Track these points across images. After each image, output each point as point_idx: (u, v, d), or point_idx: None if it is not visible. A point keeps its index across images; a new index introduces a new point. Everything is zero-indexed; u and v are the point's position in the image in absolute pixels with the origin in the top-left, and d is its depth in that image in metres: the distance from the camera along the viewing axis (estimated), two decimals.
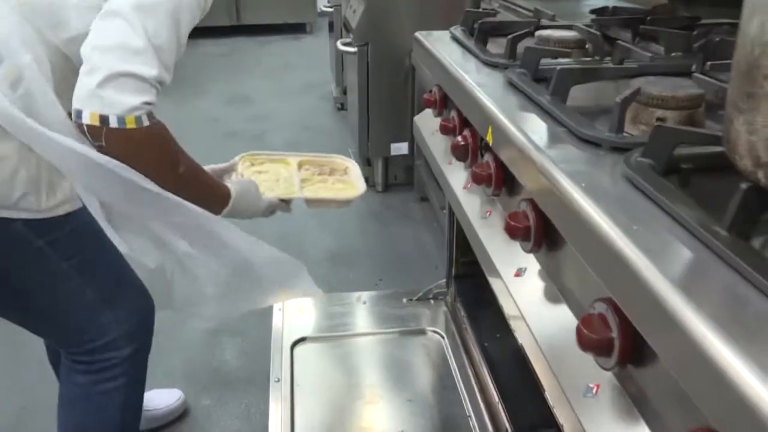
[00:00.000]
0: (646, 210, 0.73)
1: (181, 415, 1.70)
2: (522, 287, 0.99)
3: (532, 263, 1.00)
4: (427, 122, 1.68)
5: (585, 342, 0.73)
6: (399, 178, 3.10)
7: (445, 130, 1.43)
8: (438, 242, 2.51)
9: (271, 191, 1.26)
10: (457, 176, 1.39)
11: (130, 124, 0.90)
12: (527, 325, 0.92)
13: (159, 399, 1.67)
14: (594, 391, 0.76)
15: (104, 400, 1.19)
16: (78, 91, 0.90)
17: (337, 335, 1.76)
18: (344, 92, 3.95)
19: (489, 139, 1.11)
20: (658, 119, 0.98)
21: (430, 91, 1.59)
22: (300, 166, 1.38)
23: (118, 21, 0.91)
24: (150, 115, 0.93)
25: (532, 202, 0.95)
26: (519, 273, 1.01)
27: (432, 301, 1.87)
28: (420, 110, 1.79)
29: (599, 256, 0.71)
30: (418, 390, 1.55)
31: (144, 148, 0.95)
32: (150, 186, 0.98)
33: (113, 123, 0.89)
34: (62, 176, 1.03)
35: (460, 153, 1.31)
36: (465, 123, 1.35)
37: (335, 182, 1.37)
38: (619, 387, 0.74)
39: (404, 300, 1.86)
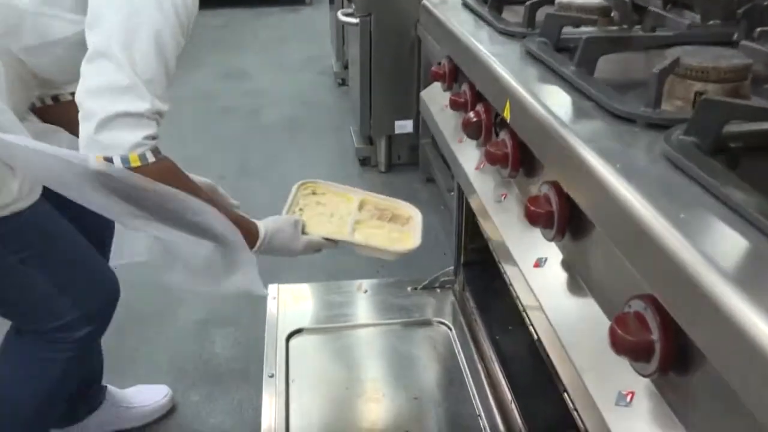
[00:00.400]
0: (693, 194, 0.67)
1: (168, 411, 1.66)
2: (542, 279, 0.93)
3: (553, 253, 0.94)
4: (436, 97, 1.61)
5: (620, 344, 0.67)
6: (403, 157, 3.07)
7: (455, 105, 1.36)
8: (445, 227, 2.47)
9: (320, 227, 1.24)
10: (468, 156, 1.32)
11: (134, 162, 0.93)
12: (549, 322, 0.86)
13: (145, 395, 1.64)
14: (628, 399, 0.70)
15: (45, 367, 1.23)
16: (81, 140, 0.95)
17: (336, 326, 1.72)
18: (345, 67, 3.89)
19: (506, 114, 1.04)
20: (697, 93, 0.91)
21: (439, 64, 1.52)
22: (361, 205, 1.34)
23: (104, 61, 0.94)
24: (156, 151, 0.96)
25: (556, 185, 0.89)
26: (539, 263, 0.95)
27: (438, 290, 1.82)
28: (426, 85, 1.72)
29: (639, 248, 0.65)
30: (424, 386, 1.52)
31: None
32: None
33: (118, 163, 0.93)
34: (7, 178, 1.06)
35: (472, 130, 1.24)
36: (478, 97, 1.28)
37: (392, 230, 1.31)
38: (658, 396, 0.68)
39: (408, 288, 1.82)
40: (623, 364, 0.71)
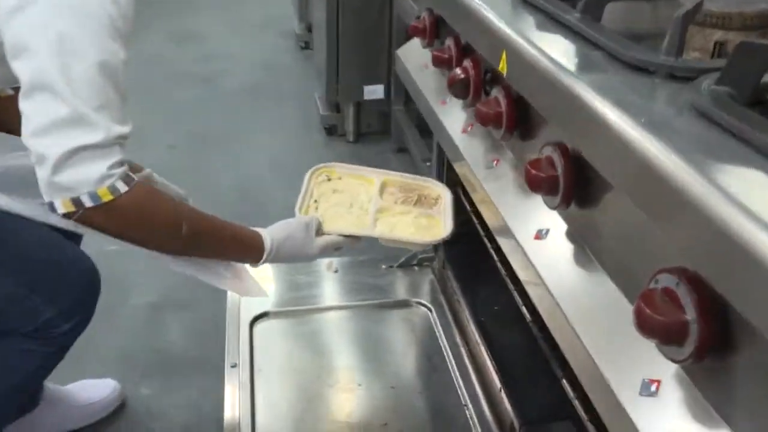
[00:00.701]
0: (732, 150, 0.61)
1: (116, 408, 1.57)
2: (544, 252, 0.88)
3: (556, 223, 0.89)
4: (414, 55, 1.55)
5: (648, 325, 0.61)
6: (373, 126, 3.00)
7: (439, 62, 1.29)
8: None
9: (338, 221, 1.19)
10: (453, 118, 1.27)
11: (106, 197, 0.90)
12: (554, 300, 0.81)
13: (91, 391, 1.56)
14: (654, 388, 0.64)
15: (22, 359, 1.22)
16: (40, 186, 0.91)
17: (305, 309, 1.67)
18: (308, 29, 3.79)
19: (502, 68, 0.97)
20: (717, 43, 0.86)
21: (419, 18, 1.44)
22: (383, 187, 1.29)
23: (43, 96, 0.90)
24: (127, 179, 0.93)
25: (561, 146, 0.84)
26: (540, 235, 0.90)
27: (416, 268, 1.78)
28: (400, 44, 1.66)
29: (674, 214, 0.58)
30: (403, 374, 1.48)
31: (132, 216, 0.95)
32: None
33: (88, 202, 0.90)
34: None
35: (459, 89, 1.17)
36: (465, 52, 1.22)
37: (419, 216, 1.24)
38: (690, 384, 0.62)
39: (383, 267, 1.77)
40: (647, 348, 0.66)
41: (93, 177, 0.90)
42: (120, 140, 0.93)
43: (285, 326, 1.61)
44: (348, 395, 1.41)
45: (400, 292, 1.73)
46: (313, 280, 1.77)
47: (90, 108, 0.89)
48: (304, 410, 1.37)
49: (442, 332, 1.57)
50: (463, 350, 1.51)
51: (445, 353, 1.52)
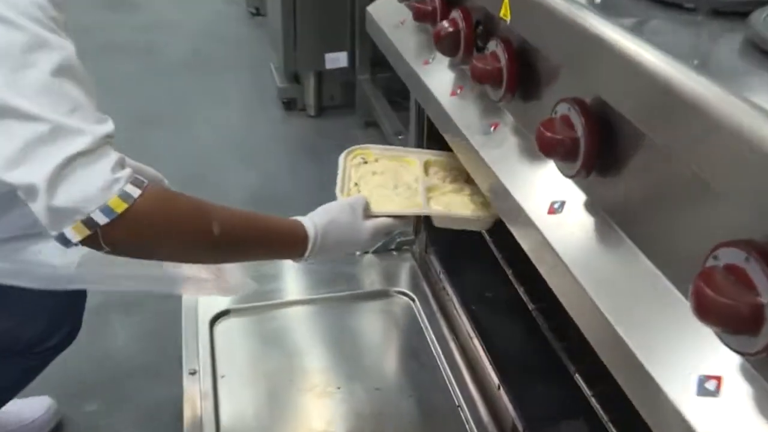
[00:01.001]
0: None
1: (53, 430, 1.50)
2: (561, 228, 0.81)
3: (573, 193, 0.83)
4: (388, 11, 1.49)
5: (712, 311, 0.55)
6: (336, 98, 2.97)
7: (420, 15, 1.23)
8: None
9: (386, 203, 1.15)
10: (439, 79, 1.21)
11: (120, 207, 0.84)
12: (577, 283, 0.74)
13: (22, 411, 1.48)
14: (714, 386, 0.57)
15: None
16: (42, 221, 0.85)
17: (272, 304, 1.60)
18: None
19: (505, 14, 0.90)
20: None
21: None
22: (426, 167, 1.27)
23: (7, 122, 0.83)
24: (135, 180, 0.87)
25: (580, 103, 0.78)
26: (554, 209, 0.84)
27: (395, 253, 1.73)
28: (366, 3, 1.60)
29: (748, 177, 0.51)
30: (387, 374, 1.42)
31: (156, 222, 0.90)
32: None
33: (102, 219, 0.84)
34: None
35: (447, 44, 1.12)
36: (450, 3, 1.16)
37: (473, 194, 1.20)
38: (761, 381, 0.55)
39: (357, 253, 1.70)
40: (701, 338, 0.59)
41: (97, 187, 0.83)
42: (108, 140, 0.87)
43: (250, 325, 1.55)
44: (326, 401, 1.34)
45: (378, 280, 1.67)
46: (278, 271, 1.70)
47: (61, 115, 0.84)
48: (277, 420, 1.30)
49: (427, 324, 1.52)
50: (452, 344, 1.46)
51: (432, 348, 1.46)
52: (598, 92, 0.73)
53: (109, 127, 0.87)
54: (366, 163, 1.26)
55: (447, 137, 1.14)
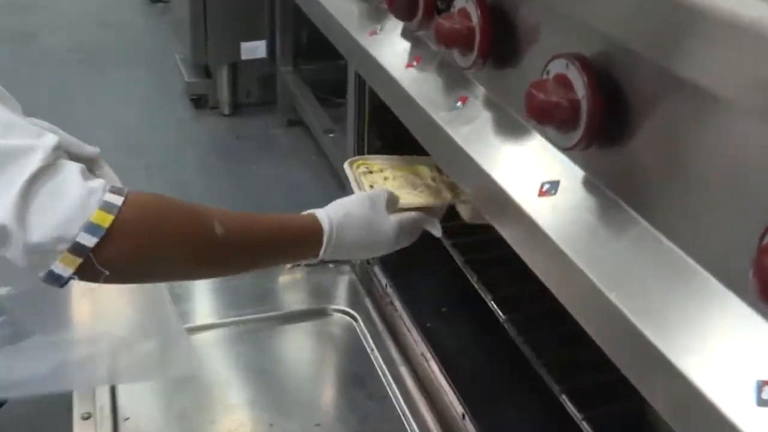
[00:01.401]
0: None
1: None
2: (557, 214, 0.76)
3: (567, 170, 0.78)
4: None
5: None
6: (254, 94, 2.94)
7: None
8: (321, 181, 2.40)
9: (414, 198, 1.15)
10: (391, 50, 1.17)
11: (105, 221, 0.83)
12: (585, 277, 0.68)
13: None
14: None
15: None
16: (23, 265, 0.84)
17: (185, 329, 1.42)
18: None
19: None
20: None
21: None
22: (435, 170, 1.26)
23: None
24: (114, 190, 0.86)
25: (581, 59, 0.72)
26: (546, 191, 0.79)
27: (331, 266, 1.68)
28: None
29: None
30: (328, 407, 1.39)
31: (150, 230, 0.89)
32: None
33: (89, 240, 0.82)
34: None
35: (403, 5, 1.06)
36: None
37: None
38: None
39: (288, 266, 1.66)
40: (761, 334, 0.54)
41: (72, 204, 0.82)
42: (59, 151, 0.85)
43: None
44: None
45: (312, 298, 1.62)
46: (189, 290, 1.63)
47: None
48: None
49: (373, 346, 1.47)
50: (404, 368, 1.40)
51: (380, 374, 1.40)
52: (600, 27, 0.68)
53: (52, 137, 0.85)
54: (372, 172, 1.27)
55: (404, 119, 1.08)
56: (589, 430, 0.95)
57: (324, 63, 2.55)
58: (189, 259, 0.94)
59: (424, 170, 1.27)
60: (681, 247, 0.63)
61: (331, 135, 2.24)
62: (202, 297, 1.63)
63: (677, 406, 0.58)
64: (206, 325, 1.55)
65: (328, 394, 1.42)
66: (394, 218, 1.06)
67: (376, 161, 1.29)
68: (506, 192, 0.80)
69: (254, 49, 2.75)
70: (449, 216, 1.18)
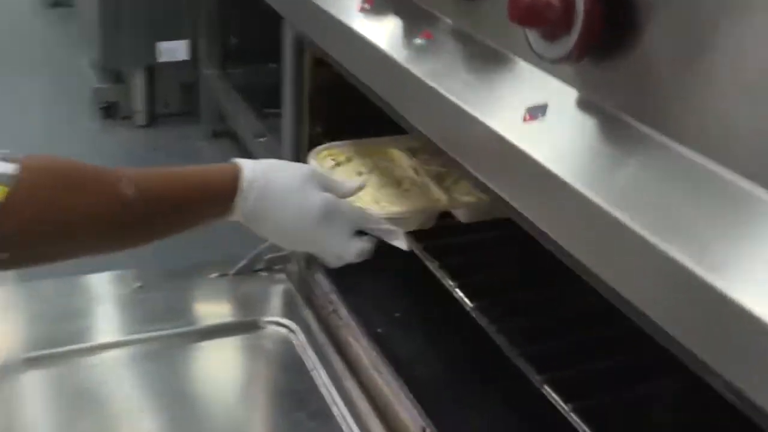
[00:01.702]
0: None
1: None
2: (549, 134, 0.72)
3: (556, 91, 0.74)
4: None
5: None
6: (173, 103, 2.95)
7: None
8: None
9: (403, 201, 1.19)
10: None
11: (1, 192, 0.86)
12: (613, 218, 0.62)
13: None
14: None
15: None
16: None
17: (84, 348, 1.45)
18: None
19: None
20: None
21: None
22: (414, 154, 1.30)
23: None
24: (5, 157, 0.87)
25: None
26: (533, 114, 0.74)
27: (264, 274, 1.65)
28: None
29: None
30: (261, 431, 1.36)
31: (52, 196, 0.90)
32: None
33: None
34: None
35: None
36: None
37: None
38: None
39: (213, 275, 1.64)
40: None
41: None
42: None
43: (54, 380, 1.40)
44: None
45: (241, 309, 1.57)
46: (95, 304, 1.59)
47: None
48: None
49: (315, 361, 1.41)
50: (352, 383, 1.34)
51: (325, 391, 1.34)
52: None
53: None
54: (339, 165, 1.29)
55: (358, 71, 1.06)
56: (578, 421, 0.90)
57: (255, 66, 2.54)
58: (96, 225, 0.94)
59: (400, 156, 1.29)
60: (707, 155, 0.57)
61: (262, 139, 2.21)
62: (108, 311, 1.59)
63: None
64: (114, 342, 1.48)
65: (261, 416, 1.37)
66: (325, 196, 1.06)
67: (342, 148, 1.31)
68: (485, 123, 0.75)
69: (174, 51, 2.74)
70: None
